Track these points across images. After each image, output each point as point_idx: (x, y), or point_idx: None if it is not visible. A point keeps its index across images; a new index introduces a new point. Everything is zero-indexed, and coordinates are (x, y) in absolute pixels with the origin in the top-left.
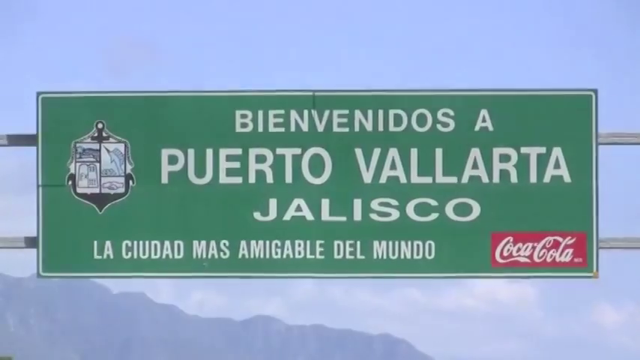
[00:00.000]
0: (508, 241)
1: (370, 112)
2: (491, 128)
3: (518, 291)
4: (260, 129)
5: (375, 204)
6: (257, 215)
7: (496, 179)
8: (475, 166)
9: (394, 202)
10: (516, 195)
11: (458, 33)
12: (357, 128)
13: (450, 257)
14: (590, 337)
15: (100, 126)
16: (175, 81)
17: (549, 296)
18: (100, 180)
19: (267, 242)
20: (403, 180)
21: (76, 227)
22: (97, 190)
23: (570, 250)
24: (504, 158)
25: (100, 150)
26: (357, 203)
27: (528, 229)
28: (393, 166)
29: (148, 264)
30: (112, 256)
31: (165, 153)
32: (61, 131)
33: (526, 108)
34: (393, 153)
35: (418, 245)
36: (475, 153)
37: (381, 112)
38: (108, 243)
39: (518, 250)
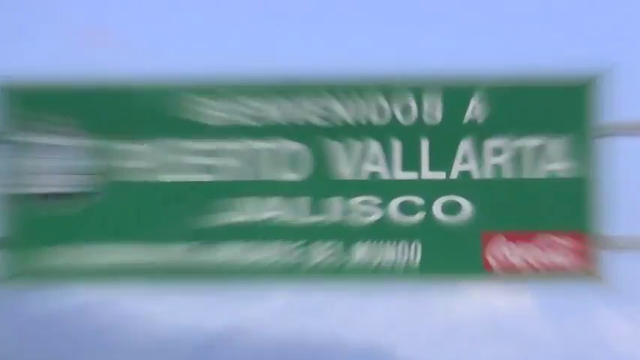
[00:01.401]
0: (501, 242)
1: (350, 103)
2: (482, 119)
3: (513, 295)
4: (232, 122)
5: (355, 202)
6: (228, 215)
7: (488, 174)
8: (465, 160)
9: (376, 201)
10: (510, 191)
11: (447, 6)
12: (335, 120)
13: (437, 260)
14: (593, 343)
15: (62, 121)
16: (140, 71)
17: (547, 300)
18: (61, 178)
19: (240, 244)
20: (386, 176)
21: (37, 230)
22: (59, 189)
23: (570, 252)
24: (497, 151)
25: (61, 146)
26: (336, 202)
27: (524, 228)
28: (374, 161)
29: (114, 269)
30: (75, 262)
31: (130, 148)
32: (22, 127)
33: (520, 97)
34: (375, 146)
35: (403, 247)
36: (465, 146)
37: (361, 103)
38: (71, 247)
39: (513, 251)
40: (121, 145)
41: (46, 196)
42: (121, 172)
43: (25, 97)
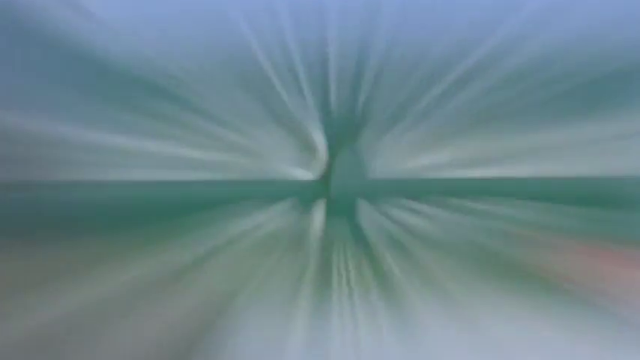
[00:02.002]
0: (575, 255)
1: (383, 75)
2: (546, 102)
3: (590, 322)
4: (215, 98)
5: (387, 207)
6: (225, 223)
7: (563, 171)
8: (531, 152)
9: (414, 205)
10: (585, 192)
11: None
12: (362, 99)
13: (490, 274)
14: None
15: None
16: (120, 45)
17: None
18: (9, 169)
19: (241, 260)
20: (425, 173)
21: None
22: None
23: None
24: (570, 138)
25: (11, 132)
26: (363, 206)
27: (602, 239)
28: (410, 154)
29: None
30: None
31: (102, 138)
32: None
33: (592, 70)
34: (412, 135)
35: (449, 264)
36: (529, 133)
37: (395, 77)
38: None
39: (589, 267)
40: (89, 134)
41: None
42: (88, 166)
43: None
